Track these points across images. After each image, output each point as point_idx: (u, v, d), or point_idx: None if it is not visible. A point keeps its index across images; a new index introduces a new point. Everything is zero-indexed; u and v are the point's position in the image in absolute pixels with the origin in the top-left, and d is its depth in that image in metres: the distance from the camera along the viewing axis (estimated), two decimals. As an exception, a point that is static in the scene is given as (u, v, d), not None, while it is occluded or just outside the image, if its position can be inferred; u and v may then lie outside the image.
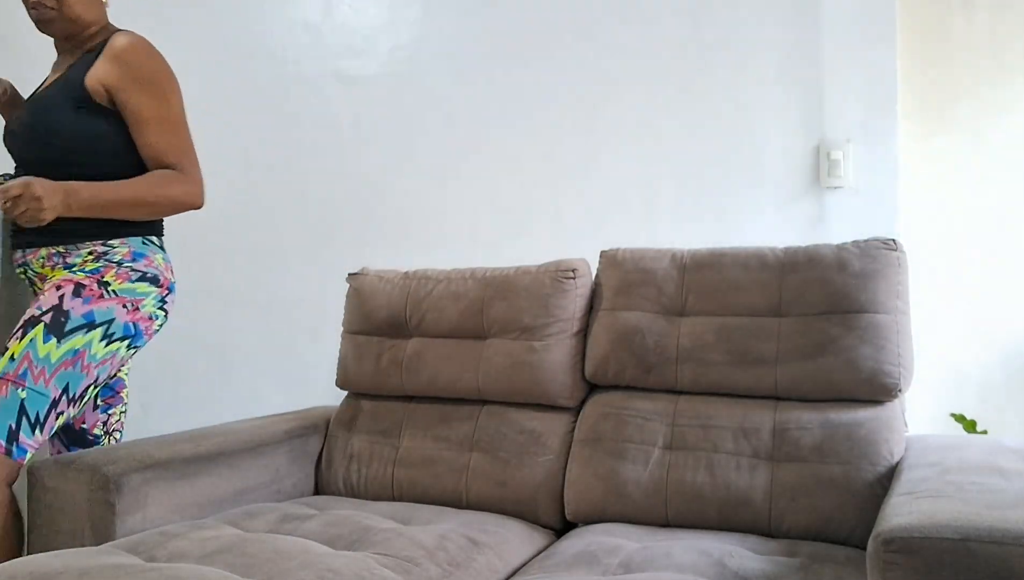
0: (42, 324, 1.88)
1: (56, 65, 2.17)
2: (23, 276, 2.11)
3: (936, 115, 2.64)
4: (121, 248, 2.04)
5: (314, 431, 2.29)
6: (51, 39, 2.14)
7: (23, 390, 1.83)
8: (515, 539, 1.87)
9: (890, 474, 1.76)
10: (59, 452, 2.15)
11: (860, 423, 1.84)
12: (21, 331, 1.88)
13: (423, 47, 3.07)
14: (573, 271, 2.14)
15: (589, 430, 2.04)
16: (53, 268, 2.03)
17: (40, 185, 1.87)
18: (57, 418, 1.88)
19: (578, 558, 1.67)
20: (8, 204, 1.86)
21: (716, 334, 1.99)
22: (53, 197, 1.88)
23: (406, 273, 2.33)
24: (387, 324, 2.28)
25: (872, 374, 1.86)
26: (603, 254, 2.20)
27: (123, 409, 2.21)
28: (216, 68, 3.28)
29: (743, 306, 2.00)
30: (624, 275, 2.11)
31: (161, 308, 2.07)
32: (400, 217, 3.09)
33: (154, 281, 2.06)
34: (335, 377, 2.36)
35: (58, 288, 1.94)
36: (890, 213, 2.56)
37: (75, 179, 1.96)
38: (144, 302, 2.03)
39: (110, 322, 1.96)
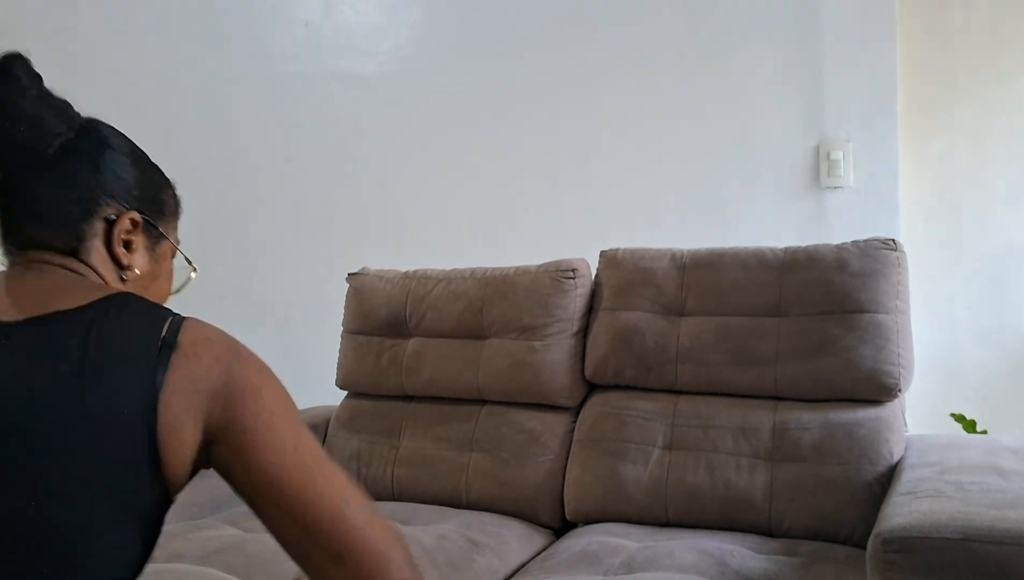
0: None
1: None
2: None
3: (936, 115, 2.63)
4: None
5: (314, 431, 2.29)
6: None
7: None
8: (515, 539, 1.87)
9: (890, 474, 1.76)
10: None
11: (860, 423, 1.84)
12: None
13: (423, 47, 3.06)
14: (573, 271, 2.14)
15: (589, 430, 2.04)
16: None
17: None
18: None
19: (579, 558, 1.67)
20: None
21: (716, 334, 1.98)
22: None
23: (406, 273, 2.33)
24: (387, 324, 2.28)
25: (872, 374, 1.86)
26: (603, 254, 2.19)
27: None
28: (216, 68, 3.28)
29: (743, 306, 1.99)
30: (624, 275, 2.11)
31: None
32: (400, 217, 3.09)
33: None
34: (335, 377, 2.36)
35: None
36: (890, 213, 2.55)
37: None
38: None
39: None
